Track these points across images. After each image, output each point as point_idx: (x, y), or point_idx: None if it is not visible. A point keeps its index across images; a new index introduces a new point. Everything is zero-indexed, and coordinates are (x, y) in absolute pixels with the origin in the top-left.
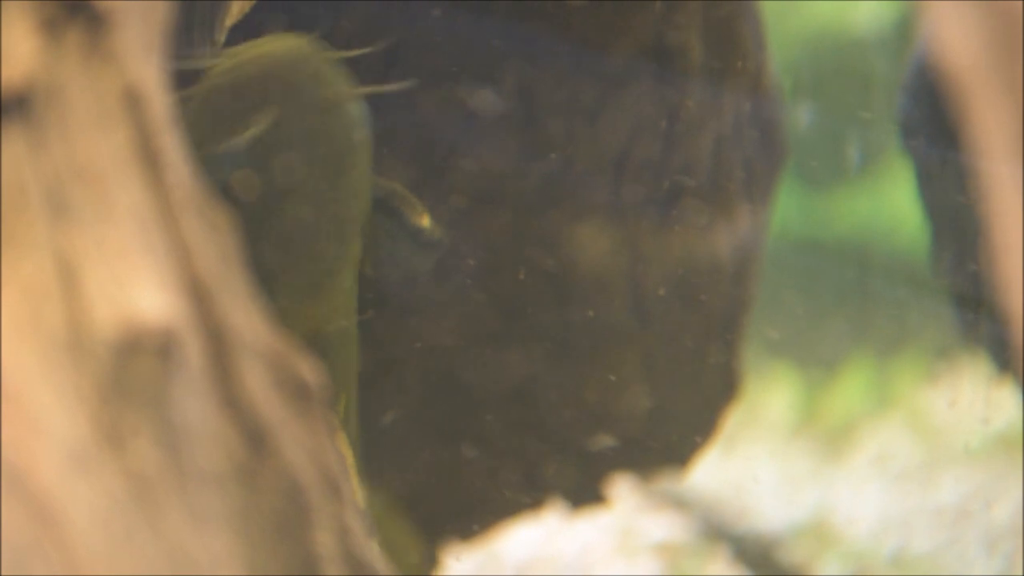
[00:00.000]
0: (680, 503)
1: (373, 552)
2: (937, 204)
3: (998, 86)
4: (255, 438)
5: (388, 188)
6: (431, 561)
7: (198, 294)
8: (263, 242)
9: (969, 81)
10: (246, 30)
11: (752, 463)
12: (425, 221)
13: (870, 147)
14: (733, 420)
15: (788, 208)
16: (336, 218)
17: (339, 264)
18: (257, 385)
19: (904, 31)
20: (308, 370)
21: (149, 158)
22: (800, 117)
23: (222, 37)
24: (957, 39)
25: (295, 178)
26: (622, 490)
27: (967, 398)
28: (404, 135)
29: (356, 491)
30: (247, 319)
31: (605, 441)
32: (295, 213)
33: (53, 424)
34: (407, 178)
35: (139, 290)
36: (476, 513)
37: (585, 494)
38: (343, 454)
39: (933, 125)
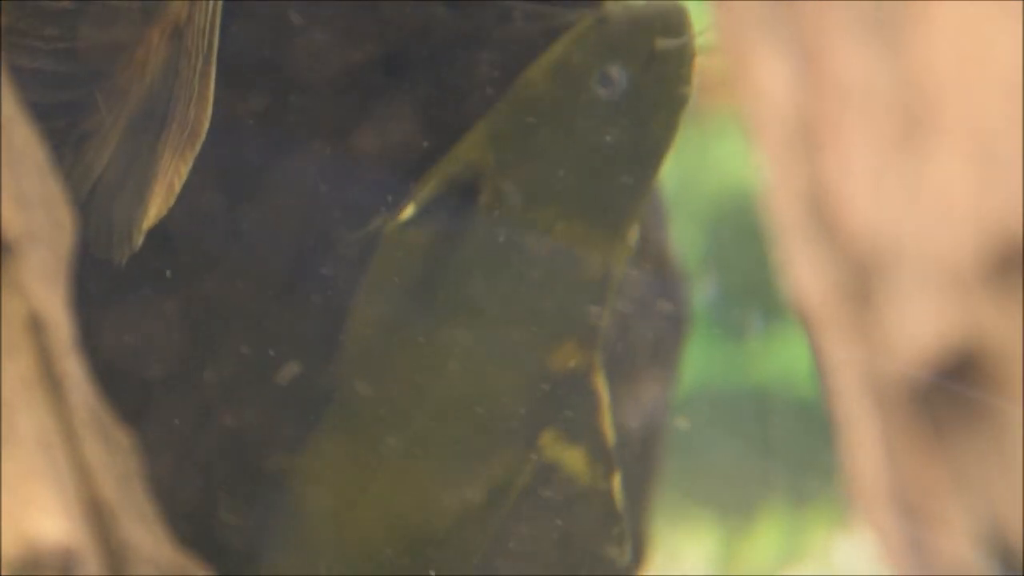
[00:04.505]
0: None
1: None
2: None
3: (847, 328)
4: None
5: None
6: None
7: (99, 514)
8: None
9: (819, 319)
10: None
11: None
12: None
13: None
14: (654, 569)
15: (706, 359)
16: None
17: None
18: None
19: None
20: None
21: (52, 382)
22: (712, 272)
23: (140, 240)
24: (808, 279)
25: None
26: None
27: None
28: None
29: None
30: (147, 535)
31: None
32: None
33: None
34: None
35: (40, 512)
36: None
37: None
38: None
39: None
